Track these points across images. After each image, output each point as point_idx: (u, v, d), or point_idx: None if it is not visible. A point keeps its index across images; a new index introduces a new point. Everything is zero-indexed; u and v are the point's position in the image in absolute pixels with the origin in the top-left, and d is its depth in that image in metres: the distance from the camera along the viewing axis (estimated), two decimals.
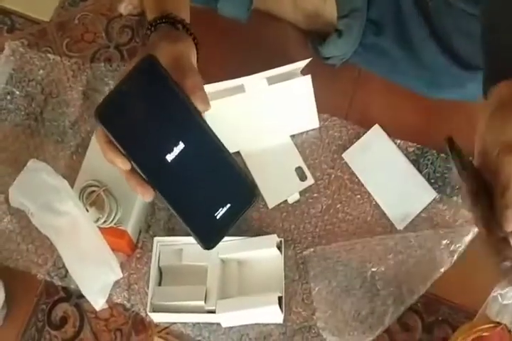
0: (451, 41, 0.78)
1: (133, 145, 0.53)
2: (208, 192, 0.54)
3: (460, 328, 0.69)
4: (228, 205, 0.54)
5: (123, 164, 0.53)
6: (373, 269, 0.78)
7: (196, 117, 0.54)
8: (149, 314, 0.74)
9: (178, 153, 0.53)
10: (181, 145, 0.53)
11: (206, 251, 0.74)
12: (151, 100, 0.53)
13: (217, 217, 0.54)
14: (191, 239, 0.75)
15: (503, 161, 0.55)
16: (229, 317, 0.74)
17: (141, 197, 0.54)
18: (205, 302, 0.73)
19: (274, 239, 0.76)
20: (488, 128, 0.60)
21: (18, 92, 0.91)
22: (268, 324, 0.76)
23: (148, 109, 0.53)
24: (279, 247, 0.77)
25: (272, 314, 0.73)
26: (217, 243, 0.55)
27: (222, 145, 0.54)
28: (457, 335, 0.67)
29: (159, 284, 0.77)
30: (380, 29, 0.85)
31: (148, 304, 0.74)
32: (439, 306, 0.77)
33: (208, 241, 0.55)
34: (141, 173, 0.53)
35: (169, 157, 0.53)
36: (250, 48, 0.91)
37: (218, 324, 0.76)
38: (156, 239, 0.78)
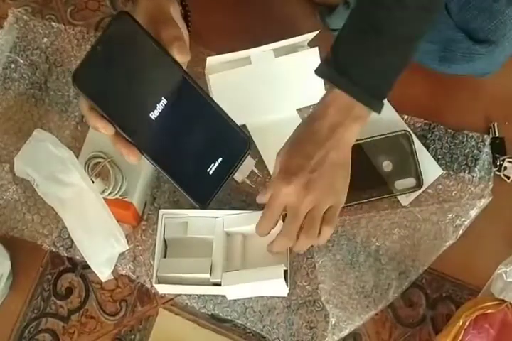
0: (463, 15, 0.77)
1: (114, 107, 0.51)
2: (198, 148, 0.53)
3: (464, 305, 0.70)
4: (220, 159, 0.53)
5: (105, 129, 0.52)
6: (378, 243, 0.78)
7: (176, 70, 0.52)
8: (155, 285, 0.74)
9: (162, 110, 0.51)
10: (164, 101, 0.51)
11: (211, 224, 0.76)
12: (128, 58, 0.51)
13: (210, 173, 0.53)
14: (197, 212, 0.77)
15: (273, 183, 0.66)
16: (234, 290, 0.74)
17: (127, 159, 0.53)
18: (210, 274, 0.73)
19: None
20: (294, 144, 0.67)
21: (22, 61, 0.90)
22: (272, 297, 0.77)
23: (126, 68, 0.51)
24: (284, 220, 0.77)
25: (277, 287, 0.73)
26: (212, 199, 0.53)
27: (208, 96, 0.53)
28: (461, 312, 0.68)
29: (164, 256, 0.78)
30: None
31: (154, 275, 0.74)
32: (443, 283, 0.78)
33: (203, 199, 0.53)
34: (125, 136, 0.52)
35: (153, 115, 0.51)
36: (258, 20, 0.90)
37: (223, 296, 0.77)
38: (161, 211, 0.78)
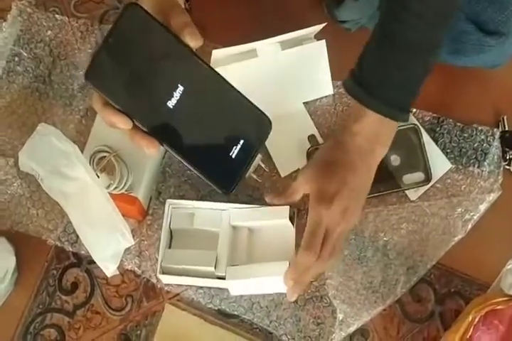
0: (474, 7, 0.76)
1: (130, 100, 0.50)
2: (218, 132, 0.52)
3: (473, 301, 0.70)
4: (242, 141, 0.52)
5: (124, 123, 0.51)
6: (385, 238, 0.78)
7: (190, 55, 0.51)
8: (158, 276, 0.74)
9: (179, 97, 0.50)
10: (180, 88, 0.50)
11: (217, 217, 0.75)
12: (139, 48, 0.50)
13: (233, 156, 0.52)
14: (203, 204, 0.76)
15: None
16: (238, 285, 0.74)
17: (147, 150, 0.52)
18: (215, 268, 0.72)
19: (286, 210, 0.75)
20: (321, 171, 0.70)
21: (25, 54, 0.89)
22: (279, 292, 0.76)
23: (139, 58, 0.50)
24: (291, 217, 0.76)
25: (282, 284, 0.73)
26: (237, 184, 0.52)
27: (224, 79, 0.52)
28: (470, 308, 0.67)
29: (169, 247, 0.77)
30: None
31: (158, 266, 0.73)
32: (451, 278, 0.77)
33: (227, 185, 0.52)
34: (143, 128, 0.51)
35: (170, 103, 0.50)
36: (264, 12, 0.89)
37: (229, 291, 0.76)
38: (168, 201, 0.77)
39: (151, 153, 0.52)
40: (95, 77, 0.50)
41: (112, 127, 0.52)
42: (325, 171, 0.68)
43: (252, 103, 0.53)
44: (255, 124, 0.53)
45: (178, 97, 0.50)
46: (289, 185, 0.72)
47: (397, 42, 0.65)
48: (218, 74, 0.52)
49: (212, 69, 0.51)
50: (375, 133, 0.68)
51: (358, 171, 0.68)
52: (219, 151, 0.52)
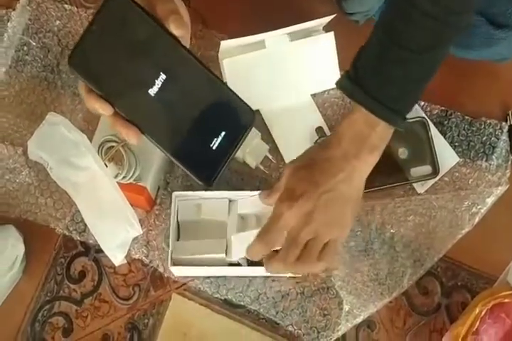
0: None
1: (112, 87, 0.50)
2: (199, 123, 0.52)
3: (480, 294, 0.70)
4: (223, 133, 0.52)
5: (104, 109, 0.51)
6: (392, 231, 0.78)
7: (174, 44, 0.51)
8: (170, 268, 0.74)
9: (161, 86, 0.50)
10: (163, 77, 0.50)
11: (224, 206, 0.75)
12: (123, 35, 0.50)
13: (214, 148, 0.51)
14: (210, 194, 0.76)
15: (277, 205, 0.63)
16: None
17: (127, 139, 0.52)
18: (226, 254, 0.73)
19: None
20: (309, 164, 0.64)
21: (34, 43, 0.89)
22: (286, 283, 0.77)
23: (121, 46, 0.50)
24: None
25: None
26: (217, 177, 0.52)
27: (208, 69, 0.51)
28: (477, 301, 0.68)
29: (178, 239, 0.77)
30: None
31: (169, 258, 0.73)
32: (458, 271, 0.77)
33: (208, 177, 0.52)
34: (124, 115, 0.51)
35: (152, 91, 0.50)
36: (272, 3, 0.88)
37: (236, 282, 0.77)
38: (174, 193, 0.77)
39: (131, 141, 0.52)
40: (78, 62, 0.50)
41: (95, 113, 0.52)
42: (303, 169, 0.63)
43: (236, 95, 0.52)
44: (238, 116, 0.52)
45: (159, 86, 0.50)
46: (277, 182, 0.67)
47: (401, 40, 0.61)
48: (203, 64, 0.51)
49: (196, 58, 0.51)
50: (362, 135, 0.62)
51: (336, 176, 0.62)
52: (199, 142, 0.52)
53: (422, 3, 0.60)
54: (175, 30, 0.51)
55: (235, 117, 0.52)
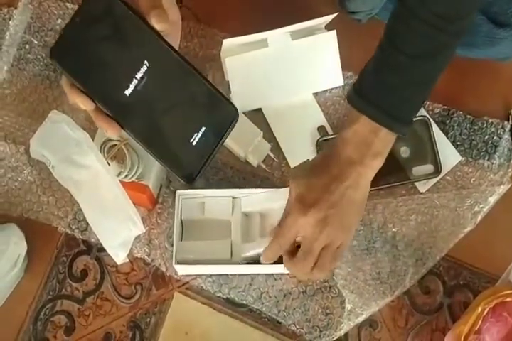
0: None
1: (92, 81, 0.50)
2: (179, 118, 0.51)
3: (482, 293, 0.70)
4: (203, 129, 0.51)
5: (84, 103, 0.51)
6: (394, 230, 0.78)
7: (155, 39, 0.51)
8: (174, 266, 0.73)
9: (141, 81, 0.50)
10: (143, 72, 0.50)
11: (228, 204, 0.75)
12: (104, 29, 0.50)
13: (194, 144, 0.51)
14: (213, 192, 0.76)
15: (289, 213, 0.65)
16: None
17: (107, 134, 0.52)
18: (231, 256, 0.73)
19: None
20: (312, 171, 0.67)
21: (36, 42, 0.89)
22: (288, 282, 0.77)
23: (103, 39, 0.50)
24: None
25: None
26: (199, 174, 0.52)
27: (190, 64, 0.51)
28: (480, 300, 0.68)
29: (181, 237, 0.77)
30: None
31: (174, 257, 0.73)
32: (460, 270, 0.77)
33: (189, 174, 0.52)
34: (104, 109, 0.51)
35: (132, 86, 0.50)
36: (275, 2, 0.88)
37: (238, 281, 0.77)
38: (178, 191, 0.77)
39: (110, 135, 0.52)
40: (59, 55, 0.50)
41: (77, 108, 0.52)
42: (313, 179, 0.65)
43: (219, 91, 0.52)
44: (219, 113, 0.52)
45: (140, 81, 0.50)
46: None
47: (402, 46, 0.62)
48: (185, 59, 0.51)
49: (178, 53, 0.51)
50: (366, 142, 0.64)
51: (345, 182, 0.64)
52: (179, 138, 0.51)
53: (420, 11, 0.61)
54: (156, 24, 0.51)
55: (217, 113, 0.52)
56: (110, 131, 0.52)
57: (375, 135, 0.63)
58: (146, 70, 0.50)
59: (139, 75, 0.50)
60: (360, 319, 0.74)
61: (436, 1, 0.60)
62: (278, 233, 0.66)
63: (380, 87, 0.63)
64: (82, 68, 0.50)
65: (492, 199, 0.77)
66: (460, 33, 0.63)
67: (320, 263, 0.64)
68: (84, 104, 0.51)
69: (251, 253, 0.73)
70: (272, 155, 0.81)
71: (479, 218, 0.77)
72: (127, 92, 0.50)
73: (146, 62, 0.50)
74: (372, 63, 0.65)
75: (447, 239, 0.76)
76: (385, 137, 0.64)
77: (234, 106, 0.53)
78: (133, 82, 0.50)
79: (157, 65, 0.51)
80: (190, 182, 0.52)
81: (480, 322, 0.67)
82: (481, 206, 0.77)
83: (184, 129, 0.51)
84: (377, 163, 0.65)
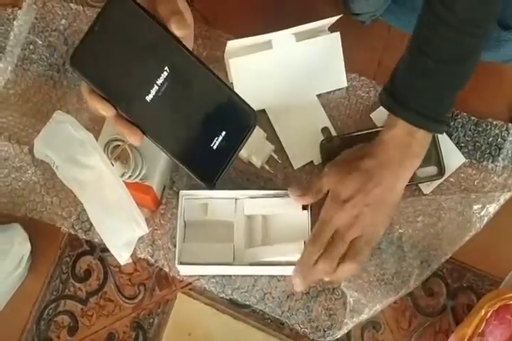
0: None
1: (113, 88, 0.50)
2: (200, 122, 0.52)
3: (486, 296, 0.70)
4: (223, 133, 0.52)
5: (105, 110, 0.51)
6: (401, 231, 0.78)
7: (175, 45, 0.51)
8: (177, 266, 0.74)
9: (163, 87, 0.50)
10: (164, 78, 0.50)
11: (231, 206, 0.75)
12: (126, 36, 0.50)
13: (214, 148, 0.52)
14: (217, 193, 0.76)
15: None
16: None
17: (129, 140, 0.52)
18: (233, 260, 0.73)
19: None
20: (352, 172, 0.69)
21: (40, 42, 0.89)
22: (291, 283, 0.76)
23: (124, 46, 0.50)
24: (304, 208, 0.76)
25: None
26: (219, 178, 0.52)
27: (209, 69, 0.52)
28: (483, 303, 0.67)
29: (184, 240, 0.77)
30: None
31: (176, 259, 0.73)
32: (464, 273, 0.77)
33: (210, 178, 0.52)
34: (126, 116, 0.51)
35: (153, 92, 0.50)
36: (278, 3, 0.88)
37: (241, 281, 0.77)
38: (181, 192, 0.77)
39: (134, 143, 0.52)
40: (80, 63, 0.50)
41: (97, 114, 0.52)
42: (347, 174, 0.68)
43: (238, 96, 0.52)
44: (239, 117, 0.52)
45: (161, 87, 0.51)
46: (312, 183, 0.72)
47: (430, 52, 0.64)
48: (205, 65, 0.51)
49: (198, 59, 0.51)
50: (405, 144, 0.67)
51: (382, 184, 0.67)
52: (200, 142, 0.52)
53: (447, 17, 0.62)
54: (176, 30, 0.51)
55: (236, 118, 0.52)
56: (132, 137, 0.52)
57: (413, 137, 0.67)
58: (166, 76, 0.51)
59: (159, 81, 0.51)
60: (364, 316, 0.74)
61: (462, 7, 0.62)
62: (316, 231, 0.68)
63: (413, 90, 0.66)
64: (102, 75, 0.50)
65: (498, 204, 0.77)
66: (487, 36, 0.65)
67: (350, 254, 0.67)
68: (105, 110, 0.51)
69: (254, 259, 0.73)
70: (275, 157, 0.81)
71: (485, 222, 0.76)
72: (148, 98, 0.51)
73: (166, 67, 0.50)
74: (401, 67, 0.67)
75: (453, 241, 0.76)
76: (422, 138, 0.67)
77: (253, 110, 0.53)
78: (154, 88, 0.50)
79: (177, 71, 0.51)
80: (211, 186, 0.52)
81: (483, 324, 0.66)
82: (488, 211, 0.77)
83: (205, 133, 0.52)
84: (416, 164, 0.69)
